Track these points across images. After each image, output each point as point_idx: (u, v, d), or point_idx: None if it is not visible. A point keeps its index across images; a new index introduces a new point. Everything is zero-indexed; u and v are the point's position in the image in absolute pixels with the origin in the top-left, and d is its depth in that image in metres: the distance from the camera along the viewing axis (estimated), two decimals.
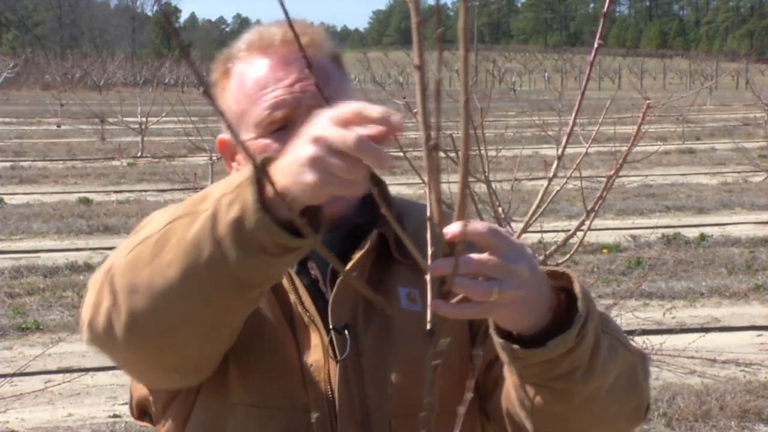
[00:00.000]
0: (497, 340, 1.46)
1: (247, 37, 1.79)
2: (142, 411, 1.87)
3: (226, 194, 1.40)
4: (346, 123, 1.31)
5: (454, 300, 1.30)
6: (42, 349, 7.20)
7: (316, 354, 1.70)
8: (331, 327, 1.70)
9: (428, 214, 1.19)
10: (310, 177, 1.32)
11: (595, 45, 1.20)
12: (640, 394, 1.64)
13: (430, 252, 1.24)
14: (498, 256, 1.35)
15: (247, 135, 1.72)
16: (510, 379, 1.56)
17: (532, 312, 1.42)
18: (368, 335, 1.72)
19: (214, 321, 1.51)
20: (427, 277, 1.29)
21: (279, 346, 1.71)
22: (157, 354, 1.56)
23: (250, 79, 1.74)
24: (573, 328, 1.43)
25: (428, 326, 1.23)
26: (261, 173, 1.35)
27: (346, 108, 1.32)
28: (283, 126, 1.70)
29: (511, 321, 1.43)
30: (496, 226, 1.37)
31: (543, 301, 1.43)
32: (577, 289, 1.46)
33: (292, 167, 1.34)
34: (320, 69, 1.72)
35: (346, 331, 1.70)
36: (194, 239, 1.42)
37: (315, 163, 1.32)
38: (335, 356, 1.69)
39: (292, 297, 1.73)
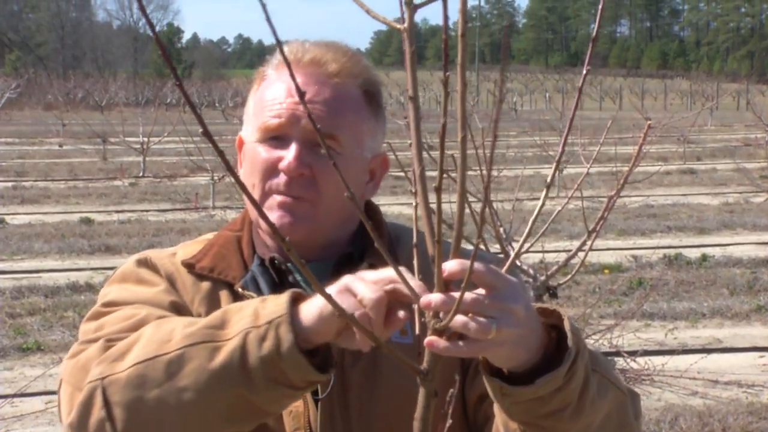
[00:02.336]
0: (486, 377, 1.45)
1: (285, 48, 1.80)
2: None
3: (256, 328, 1.45)
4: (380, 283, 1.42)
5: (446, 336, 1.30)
6: (43, 369, 7.18)
7: None
8: None
9: (414, 240, 1.20)
10: (332, 319, 1.41)
11: (584, 72, 1.22)
12: (631, 427, 1.62)
13: (415, 282, 1.26)
14: (495, 294, 1.35)
15: (251, 137, 1.78)
16: (499, 416, 1.55)
17: (525, 350, 1.42)
18: (356, 370, 1.72)
19: None
20: (415, 307, 1.30)
21: None
22: None
23: (269, 88, 1.79)
24: (563, 366, 1.42)
25: (423, 365, 1.22)
26: (294, 313, 1.45)
27: (383, 275, 1.42)
28: (277, 136, 1.73)
29: (504, 359, 1.43)
30: (492, 266, 1.38)
31: (535, 340, 1.43)
32: (567, 326, 1.46)
33: (320, 308, 1.43)
34: (337, 99, 1.74)
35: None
36: (220, 369, 1.45)
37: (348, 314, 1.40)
38: (320, 393, 1.69)
39: None
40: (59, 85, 62.07)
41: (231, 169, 1.08)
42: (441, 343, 1.28)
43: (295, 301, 1.46)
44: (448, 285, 1.28)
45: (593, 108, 51.73)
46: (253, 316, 1.45)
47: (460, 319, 1.29)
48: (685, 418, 6.43)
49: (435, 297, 1.28)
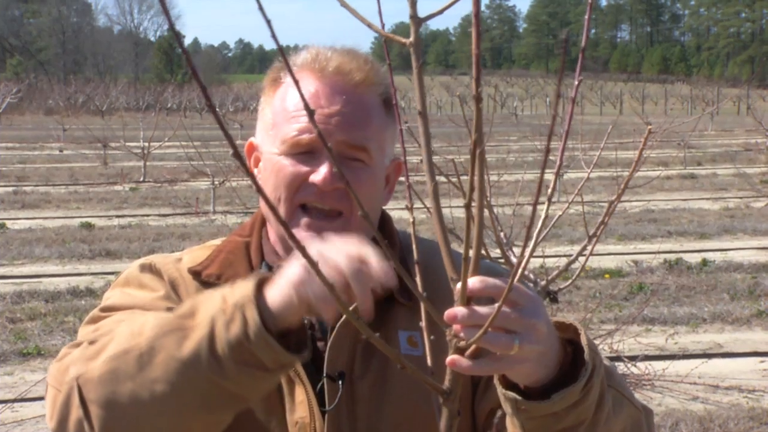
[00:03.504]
0: (501, 392, 1.44)
1: (304, 54, 1.77)
2: None
3: (223, 311, 1.43)
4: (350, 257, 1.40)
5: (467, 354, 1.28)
6: (43, 374, 7.17)
7: (301, 410, 1.67)
8: (325, 374, 1.67)
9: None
10: (296, 297, 1.40)
11: (576, 82, 1.21)
12: None
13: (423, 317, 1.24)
14: (518, 309, 1.33)
15: (272, 148, 1.73)
16: (511, 426, 1.53)
17: (545, 367, 1.40)
18: (365, 382, 1.69)
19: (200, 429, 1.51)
20: (422, 324, 1.29)
21: (263, 406, 1.68)
22: None
23: (292, 97, 1.73)
24: (579, 381, 1.41)
25: (446, 384, 1.20)
26: (259, 294, 1.43)
27: (354, 247, 1.42)
28: (306, 151, 1.70)
29: (523, 376, 1.41)
30: (516, 283, 1.35)
31: (554, 356, 1.41)
32: (584, 341, 1.45)
33: (282, 287, 1.41)
34: (363, 110, 1.72)
35: (340, 381, 1.67)
36: (190, 357, 1.43)
37: (302, 284, 1.39)
38: (327, 405, 1.66)
39: None
40: (60, 90, 62.14)
41: (261, 190, 1.07)
42: (464, 362, 1.26)
43: (261, 284, 1.44)
44: (469, 300, 1.26)
45: (594, 113, 51.73)
46: (221, 302, 1.44)
47: (480, 334, 1.27)
48: (686, 423, 6.42)
49: (460, 311, 1.26)
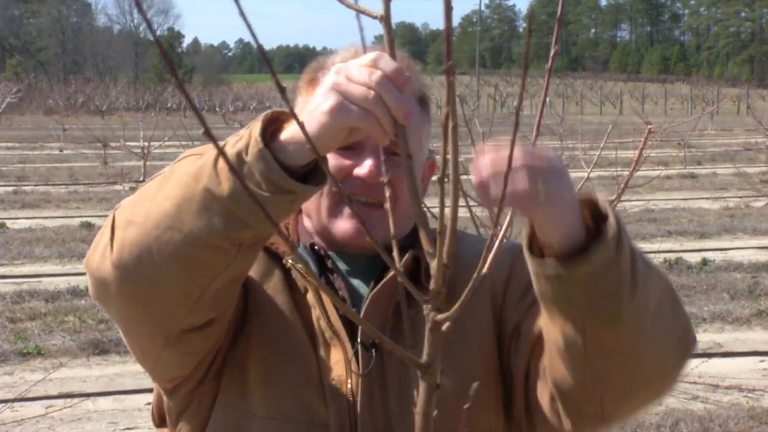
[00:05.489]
0: (538, 263, 1.46)
1: (342, 53, 1.80)
2: (162, 417, 1.88)
3: (238, 134, 1.47)
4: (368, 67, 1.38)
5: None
6: (43, 374, 7.18)
7: (337, 369, 1.73)
8: (359, 341, 1.73)
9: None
10: (329, 103, 1.38)
11: (543, 99, 1.20)
12: (685, 317, 1.62)
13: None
14: (543, 159, 1.38)
15: None
16: (555, 323, 1.53)
17: (571, 215, 1.42)
18: (395, 357, 1.74)
19: (198, 264, 1.51)
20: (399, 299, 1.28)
21: (299, 361, 1.74)
22: (141, 300, 1.57)
23: None
24: (610, 238, 1.43)
25: (424, 358, 1.16)
26: (277, 114, 1.44)
27: (367, 57, 1.39)
28: (349, 146, 1.72)
29: (552, 225, 1.42)
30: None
31: (577, 210, 1.44)
32: (602, 203, 1.47)
33: (315, 100, 1.41)
34: None
35: (374, 349, 1.73)
36: (196, 172, 1.48)
37: (336, 88, 1.38)
38: (359, 371, 1.72)
39: (316, 312, 1.76)
40: (60, 89, 62.12)
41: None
42: (493, 188, 1.30)
43: (283, 117, 1.47)
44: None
45: (594, 113, 51.72)
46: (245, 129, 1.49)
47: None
48: (686, 422, 6.43)
49: (483, 161, 1.33)
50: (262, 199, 1.42)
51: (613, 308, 1.47)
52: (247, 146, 1.43)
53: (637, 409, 1.68)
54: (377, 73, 1.35)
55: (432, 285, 1.12)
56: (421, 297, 1.11)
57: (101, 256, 1.56)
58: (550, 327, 1.55)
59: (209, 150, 1.50)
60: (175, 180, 1.51)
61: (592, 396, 1.59)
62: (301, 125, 1.02)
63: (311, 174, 1.46)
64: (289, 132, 1.43)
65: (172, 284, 1.54)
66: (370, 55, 1.37)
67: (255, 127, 1.44)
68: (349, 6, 1.08)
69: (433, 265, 1.13)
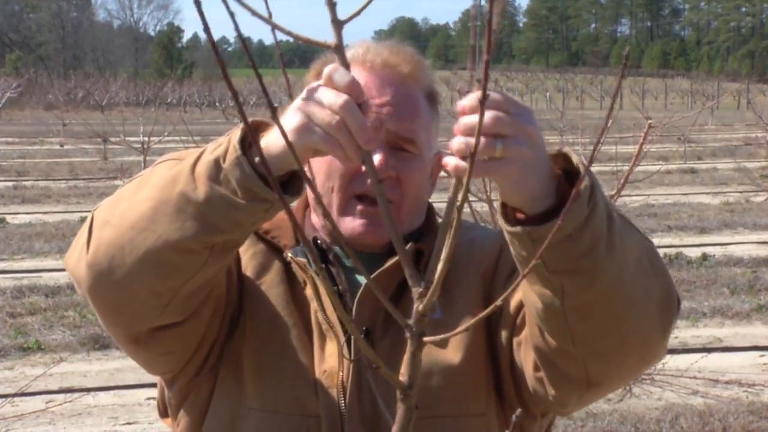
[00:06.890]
0: (513, 230, 1.42)
1: (353, 49, 1.81)
2: (166, 408, 1.91)
3: (217, 141, 1.49)
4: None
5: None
6: (43, 369, 7.19)
7: (331, 361, 1.74)
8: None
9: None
10: (295, 122, 1.38)
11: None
12: (666, 277, 1.59)
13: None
14: (509, 114, 1.34)
15: None
16: (533, 289, 1.51)
17: (537, 174, 1.39)
18: (385, 342, 1.75)
19: (170, 267, 1.52)
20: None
21: (294, 354, 1.75)
22: (112, 301, 1.58)
23: None
24: (582, 195, 1.40)
25: (405, 379, 1.12)
26: (252, 127, 1.43)
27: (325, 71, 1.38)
28: None
29: (515, 185, 1.39)
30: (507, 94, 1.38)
31: (546, 167, 1.40)
32: (575, 160, 1.44)
33: (285, 117, 1.41)
34: (412, 102, 1.79)
35: (363, 335, 1.74)
36: (173, 176, 1.49)
37: (303, 109, 1.38)
38: (350, 358, 1.74)
39: (314, 305, 1.78)
40: (60, 85, 62.05)
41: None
42: (458, 163, 1.26)
43: (261, 127, 1.49)
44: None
45: (594, 107, 51.70)
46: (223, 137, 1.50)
47: (460, 140, 1.29)
48: (686, 417, 6.43)
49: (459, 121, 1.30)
50: (237, 205, 1.44)
51: (589, 268, 1.44)
52: (225, 153, 1.44)
53: (623, 374, 1.65)
54: (343, 98, 1.34)
55: (414, 309, 1.08)
56: (404, 321, 1.09)
57: (78, 257, 1.58)
58: (528, 293, 1.53)
59: (188, 155, 1.51)
60: (152, 183, 1.52)
61: (574, 360, 1.57)
62: (282, 130, 1.02)
63: (289, 183, 1.48)
64: (264, 141, 1.43)
65: (143, 286, 1.54)
66: (327, 69, 1.37)
67: (235, 135, 1.46)
68: (301, 39, 1.11)
69: (416, 290, 1.11)
